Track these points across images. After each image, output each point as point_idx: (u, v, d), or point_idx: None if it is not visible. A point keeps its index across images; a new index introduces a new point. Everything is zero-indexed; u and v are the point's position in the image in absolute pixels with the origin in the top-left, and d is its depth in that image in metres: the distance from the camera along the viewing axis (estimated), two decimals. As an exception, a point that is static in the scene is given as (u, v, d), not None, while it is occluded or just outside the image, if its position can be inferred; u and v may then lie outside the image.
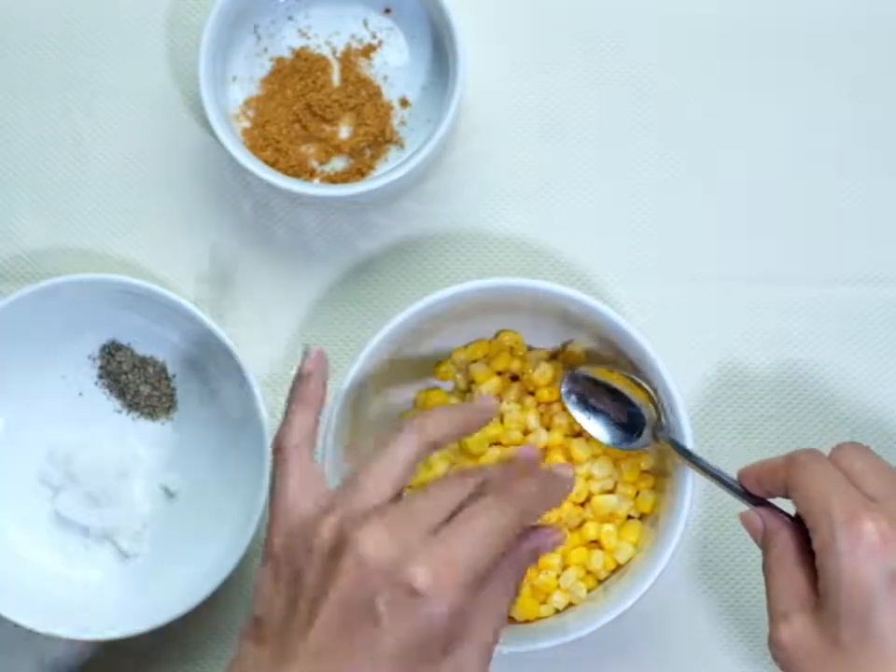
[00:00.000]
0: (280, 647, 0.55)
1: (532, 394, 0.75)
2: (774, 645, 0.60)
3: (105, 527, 0.78)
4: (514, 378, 0.76)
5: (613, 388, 0.72)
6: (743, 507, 0.66)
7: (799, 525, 0.62)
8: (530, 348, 0.77)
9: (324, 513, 0.56)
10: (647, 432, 0.71)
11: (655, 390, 0.71)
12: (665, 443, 0.70)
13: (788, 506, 0.63)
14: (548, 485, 0.60)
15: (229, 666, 0.57)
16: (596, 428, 0.72)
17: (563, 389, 0.73)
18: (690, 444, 0.69)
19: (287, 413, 0.60)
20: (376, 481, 0.57)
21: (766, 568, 0.62)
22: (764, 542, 0.63)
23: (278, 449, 0.59)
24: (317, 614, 0.53)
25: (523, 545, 0.59)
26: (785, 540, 0.62)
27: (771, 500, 0.65)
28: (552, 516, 0.72)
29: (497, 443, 0.74)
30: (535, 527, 0.60)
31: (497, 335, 0.77)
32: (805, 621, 0.59)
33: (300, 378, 0.61)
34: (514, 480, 0.58)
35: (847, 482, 0.60)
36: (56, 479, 0.78)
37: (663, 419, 0.71)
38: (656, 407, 0.71)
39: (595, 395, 0.73)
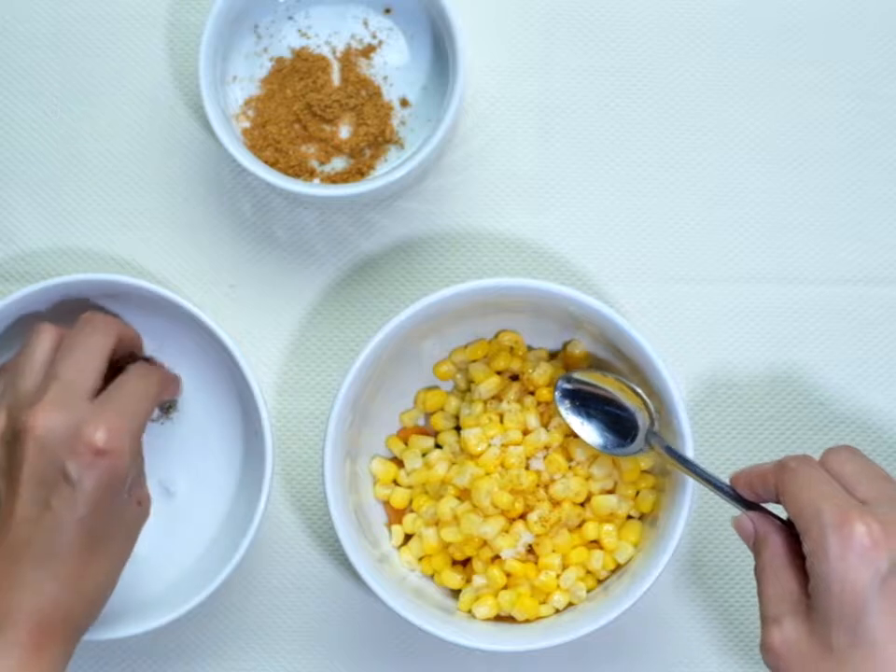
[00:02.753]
0: None
1: (532, 393, 0.75)
2: (765, 650, 0.60)
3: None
4: (514, 378, 0.76)
5: (607, 394, 0.72)
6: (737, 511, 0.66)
7: (790, 530, 0.62)
8: (530, 348, 0.77)
9: None
10: (640, 437, 0.71)
11: (649, 395, 0.71)
12: (658, 449, 0.70)
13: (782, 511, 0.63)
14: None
15: None
16: (590, 433, 0.72)
17: (556, 394, 0.73)
18: (689, 444, 0.69)
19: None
20: (31, 370, 0.68)
21: (758, 572, 0.62)
22: (755, 546, 0.63)
23: None
24: (17, 492, 0.64)
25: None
26: (776, 544, 0.62)
27: (764, 505, 0.65)
28: (550, 517, 0.72)
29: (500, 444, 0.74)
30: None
31: (496, 335, 0.77)
32: (796, 625, 0.59)
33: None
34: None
35: (837, 486, 0.60)
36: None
37: (656, 424, 0.71)
38: (650, 412, 0.71)
39: (588, 399, 0.73)
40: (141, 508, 0.70)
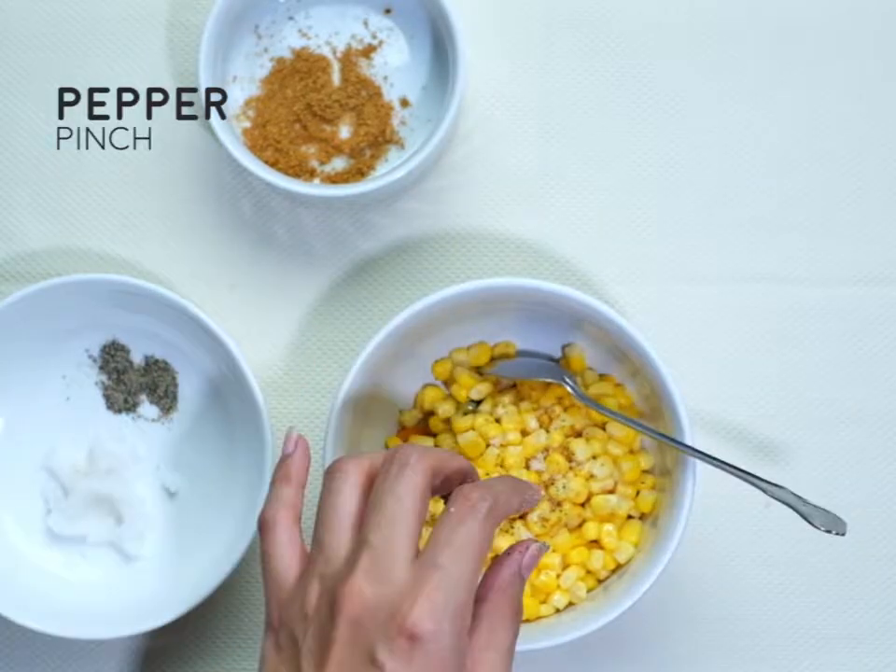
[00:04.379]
0: None
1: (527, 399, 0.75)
2: None
3: (107, 533, 0.78)
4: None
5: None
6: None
7: None
8: (529, 352, 0.77)
9: (308, 578, 0.56)
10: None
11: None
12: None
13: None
14: (516, 485, 0.60)
15: None
16: None
17: None
18: (689, 444, 0.69)
19: (270, 489, 0.61)
20: (339, 527, 0.57)
21: None
22: None
23: (262, 522, 0.59)
24: None
25: (504, 570, 0.58)
26: None
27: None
28: (550, 517, 0.72)
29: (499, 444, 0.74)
30: (511, 549, 0.59)
31: (496, 345, 0.77)
32: None
33: (282, 458, 0.61)
34: (473, 485, 0.57)
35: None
36: (51, 490, 0.78)
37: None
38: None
39: None
40: None
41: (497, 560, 0.59)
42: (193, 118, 0.81)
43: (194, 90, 0.79)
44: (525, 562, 0.59)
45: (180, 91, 0.81)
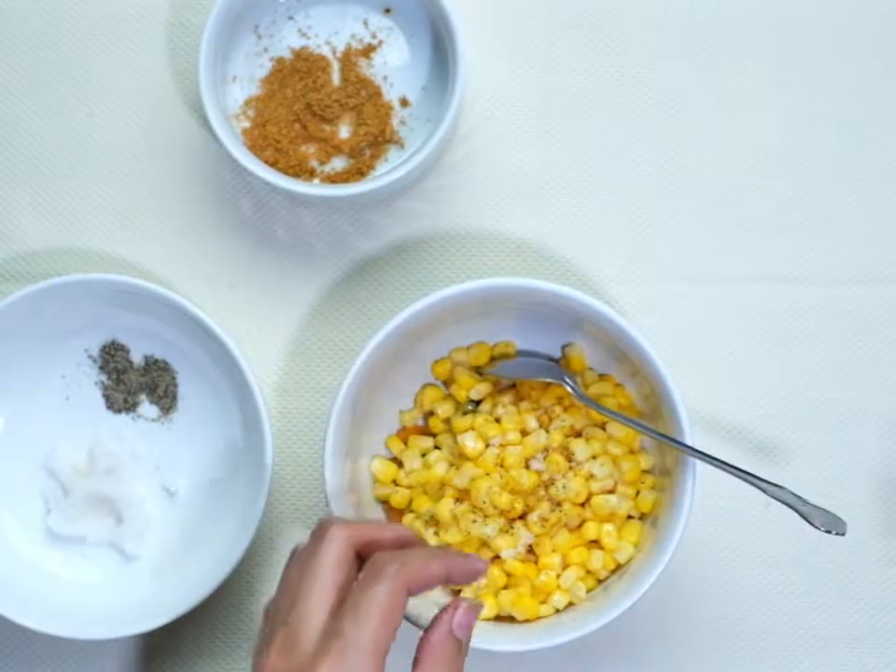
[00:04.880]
0: None
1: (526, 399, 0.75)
2: None
3: (107, 533, 0.78)
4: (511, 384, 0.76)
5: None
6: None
7: None
8: (528, 352, 0.77)
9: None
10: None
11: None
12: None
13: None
14: (437, 553, 0.60)
15: None
16: None
17: None
18: (689, 443, 0.69)
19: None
20: (311, 621, 0.56)
21: None
22: None
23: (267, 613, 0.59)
24: None
25: (433, 632, 0.58)
26: None
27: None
28: (550, 517, 0.72)
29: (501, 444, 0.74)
30: (443, 608, 0.59)
31: (495, 345, 0.77)
32: None
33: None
34: (384, 552, 0.58)
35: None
36: (51, 490, 0.78)
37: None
38: None
39: None
40: None
41: (432, 620, 0.59)
42: (193, 118, 0.81)
43: (194, 90, 0.79)
44: (458, 621, 0.58)
45: (180, 91, 0.81)
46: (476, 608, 0.59)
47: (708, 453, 0.69)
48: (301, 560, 0.58)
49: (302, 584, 0.57)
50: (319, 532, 0.58)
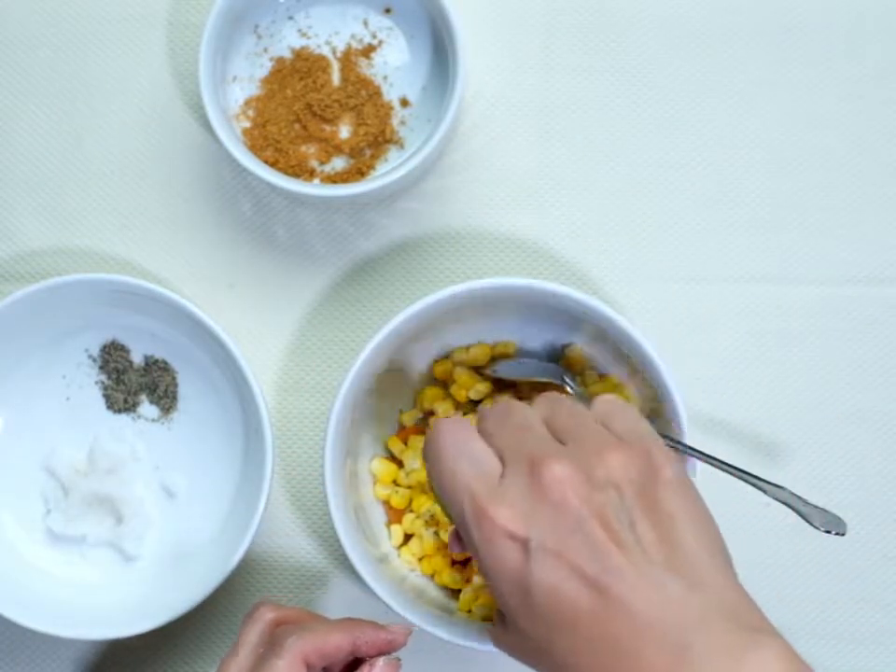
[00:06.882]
0: None
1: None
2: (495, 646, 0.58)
3: (106, 533, 0.78)
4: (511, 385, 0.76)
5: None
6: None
7: None
8: (528, 352, 0.77)
9: None
10: None
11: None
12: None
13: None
14: (346, 624, 0.62)
15: None
16: None
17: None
18: (689, 443, 0.69)
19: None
20: None
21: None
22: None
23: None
24: None
25: None
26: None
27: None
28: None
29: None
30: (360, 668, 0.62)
31: (495, 345, 0.77)
32: (500, 620, 0.56)
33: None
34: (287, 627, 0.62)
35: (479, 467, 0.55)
36: (51, 490, 0.78)
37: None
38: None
39: None
40: None
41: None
42: (193, 117, 0.81)
43: (194, 90, 0.79)
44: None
45: (180, 91, 0.81)
46: (392, 665, 0.62)
47: (708, 453, 0.69)
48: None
49: None
50: (276, 640, 0.61)
